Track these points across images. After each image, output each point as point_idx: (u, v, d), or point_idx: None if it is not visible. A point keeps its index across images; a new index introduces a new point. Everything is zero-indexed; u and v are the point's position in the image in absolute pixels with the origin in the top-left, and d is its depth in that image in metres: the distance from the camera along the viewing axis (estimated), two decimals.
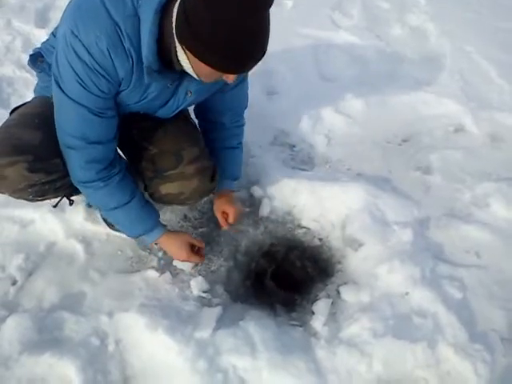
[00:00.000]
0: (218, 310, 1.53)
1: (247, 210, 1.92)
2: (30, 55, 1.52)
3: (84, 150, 1.32)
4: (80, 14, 1.17)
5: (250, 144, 2.14)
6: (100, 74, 1.20)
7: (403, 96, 2.46)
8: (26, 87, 2.35)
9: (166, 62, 1.24)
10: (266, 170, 2.02)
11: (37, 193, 1.42)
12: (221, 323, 1.49)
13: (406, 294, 1.56)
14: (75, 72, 1.20)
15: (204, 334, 1.45)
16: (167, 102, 1.41)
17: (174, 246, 1.60)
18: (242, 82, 1.57)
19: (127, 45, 1.18)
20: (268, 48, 1.14)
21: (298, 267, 1.79)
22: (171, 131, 1.56)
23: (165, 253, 1.70)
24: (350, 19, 3.11)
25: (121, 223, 1.54)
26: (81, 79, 1.21)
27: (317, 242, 1.83)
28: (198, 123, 1.70)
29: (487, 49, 2.82)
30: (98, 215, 1.77)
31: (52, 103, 1.34)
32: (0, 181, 1.34)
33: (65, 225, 1.74)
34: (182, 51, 1.17)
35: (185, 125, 1.62)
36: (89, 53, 1.16)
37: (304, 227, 1.88)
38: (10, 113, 1.50)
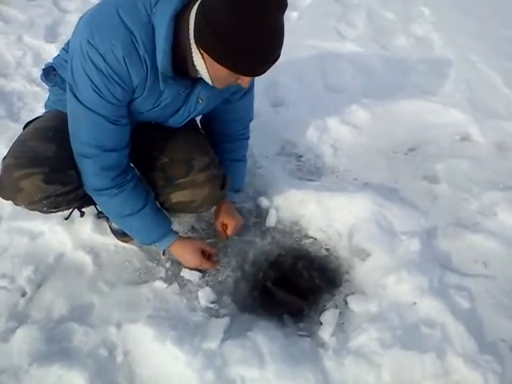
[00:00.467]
0: (225, 321, 1.53)
1: (253, 220, 1.93)
2: (43, 69, 1.55)
3: (99, 157, 1.35)
4: (95, 23, 1.20)
5: (257, 155, 2.16)
6: (116, 81, 1.24)
7: (409, 105, 2.47)
8: (36, 101, 2.39)
9: (180, 69, 1.27)
10: (272, 181, 2.03)
11: (51, 204, 1.44)
12: (228, 334, 1.49)
13: (414, 303, 1.56)
14: (91, 80, 1.23)
15: (212, 344, 1.45)
16: (179, 110, 1.44)
17: (185, 253, 1.63)
18: (249, 93, 1.61)
19: (142, 52, 1.21)
20: None
21: (306, 277, 1.79)
22: (181, 141, 1.58)
23: (172, 263, 1.71)
24: (356, 30, 3.15)
25: (135, 230, 1.56)
26: (97, 87, 1.24)
27: (324, 252, 1.84)
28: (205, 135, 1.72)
29: (492, 58, 2.83)
30: (106, 226, 1.78)
31: (64, 116, 1.37)
32: (16, 193, 1.37)
33: (73, 236, 1.76)
34: (198, 55, 1.20)
35: (194, 135, 1.65)
36: (105, 61, 1.20)
37: (311, 237, 1.88)
38: (24, 127, 1.53)
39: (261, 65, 1.19)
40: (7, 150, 1.41)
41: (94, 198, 1.48)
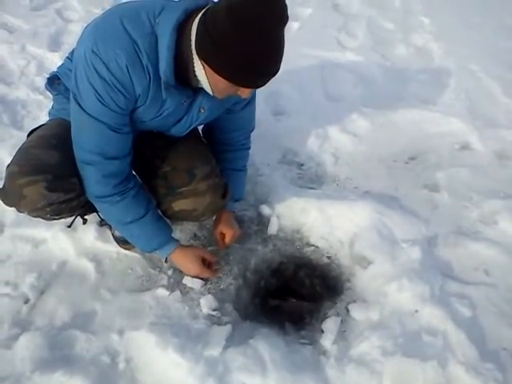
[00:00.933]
0: (227, 328, 1.53)
1: (255, 228, 1.93)
2: (48, 78, 1.57)
3: (101, 165, 1.36)
4: (100, 33, 1.22)
5: (259, 163, 2.18)
6: (119, 90, 1.25)
7: (409, 115, 2.49)
8: (39, 109, 2.41)
9: (182, 78, 1.29)
10: (274, 189, 2.04)
11: (54, 211, 1.45)
12: (230, 341, 1.50)
13: (416, 311, 1.56)
14: (95, 89, 1.25)
15: (214, 352, 1.45)
16: (181, 120, 1.45)
17: (186, 261, 1.63)
18: (251, 104, 1.62)
19: (145, 61, 1.23)
20: None
21: (307, 285, 1.79)
22: (183, 150, 1.59)
23: (174, 271, 1.72)
24: (356, 40, 3.18)
25: (135, 237, 1.56)
26: (100, 96, 1.25)
27: (325, 260, 1.84)
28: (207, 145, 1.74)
29: (491, 67, 2.85)
30: (109, 234, 1.79)
31: (67, 125, 1.39)
32: (19, 200, 1.38)
33: (76, 244, 1.76)
34: (200, 66, 1.22)
35: (196, 144, 1.66)
36: (108, 70, 1.21)
37: (312, 245, 1.89)
38: (28, 135, 1.55)
39: (260, 77, 1.20)
40: (11, 158, 1.43)
41: (96, 205, 1.49)
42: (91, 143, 1.34)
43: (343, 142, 2.33)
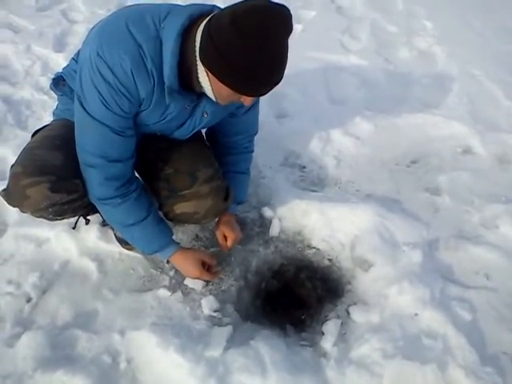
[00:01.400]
0: (228, 330, 1.54)
1: (257, 230, 1.94)
2: (53, 79, 1.58)
3: (103, 167, 1.37)
4: (105, 36, 1.23)
5: (261, 165, 2.18)
6: (123, 94, 1.26)
7: (411, 118, 2.49)
8: (43, 109, 2.42)
9: (186, 84, 1.30)
10: (276, 191, 2.05)
11: (56, 212, 1.46)
12: (231, 342, 1.50)
13: (416, 315, 1.56)
14: (99, 92, 1.25)
15: (214, 353, 1.46)
16: (184, 123, 1.46)
17: (186, 264, 1.63)
18: (254, 107, 1.63)
19: (149, 66, 1.24)
20: None
21: (308, 287, 1.80)
22: (186, 152, 1.60)
23: (176, 272, 1.73)
24: (359, 43, 3.18)
25: (136, 239, 1.57)
26: (104, 99, 1.26)
27: (326, 263, 1.85)
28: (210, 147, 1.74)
29: (494, 71, 2.85)
30: (112, 234, 1.80)
31: (71, 125, 1.40)
32: (23, 200, 1.39)
33: (79, 244, 1.77)
34: (203, 73, 1.22)
35: (199, 147, 1.67)
36: (113, 73, 1.22)
37: (314, 247, 1.89)
38: (32, 135, 1.56)
39: (262, 87, 1.21)
40: (15, 158, 1.44)
41: (98, 207, 1.50)
42: (94, 146, 1.35)
43: (346, 145, 2.34)
